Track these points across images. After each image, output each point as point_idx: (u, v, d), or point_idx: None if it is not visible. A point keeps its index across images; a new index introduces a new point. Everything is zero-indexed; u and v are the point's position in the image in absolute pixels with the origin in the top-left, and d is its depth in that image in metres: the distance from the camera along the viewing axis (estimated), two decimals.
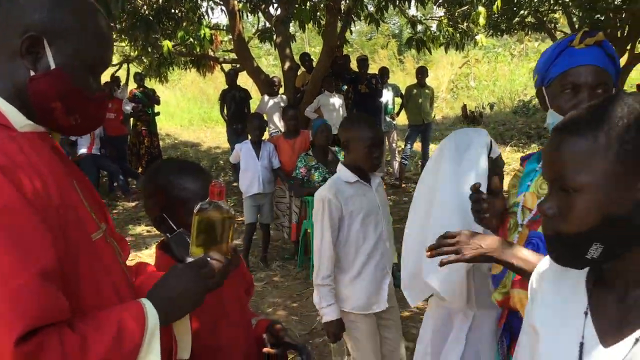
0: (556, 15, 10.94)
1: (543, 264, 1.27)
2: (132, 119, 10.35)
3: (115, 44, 12.40)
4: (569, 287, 1.18)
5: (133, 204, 8.81)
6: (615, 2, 8.86)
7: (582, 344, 1.09)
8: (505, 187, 2.00)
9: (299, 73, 8.75)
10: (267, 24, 9.47)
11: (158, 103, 10.81)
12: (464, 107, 15.39)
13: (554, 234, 1.07)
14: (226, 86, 9.68)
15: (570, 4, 9.11)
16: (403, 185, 9.10)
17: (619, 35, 9.41)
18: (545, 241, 1.11)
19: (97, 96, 1.26)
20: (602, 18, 9.64)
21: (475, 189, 1.78)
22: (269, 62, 22.24)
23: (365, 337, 2.84)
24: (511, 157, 10.34)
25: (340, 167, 2.84)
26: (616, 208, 1.00)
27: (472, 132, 2.27)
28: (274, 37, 8.73)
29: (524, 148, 10.95)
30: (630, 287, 1.07)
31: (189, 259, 1.34)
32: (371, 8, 8.68)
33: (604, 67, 1.61)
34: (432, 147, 10.73)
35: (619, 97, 1.05)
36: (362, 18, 8.57)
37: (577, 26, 10.03)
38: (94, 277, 1.20)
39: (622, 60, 9.50)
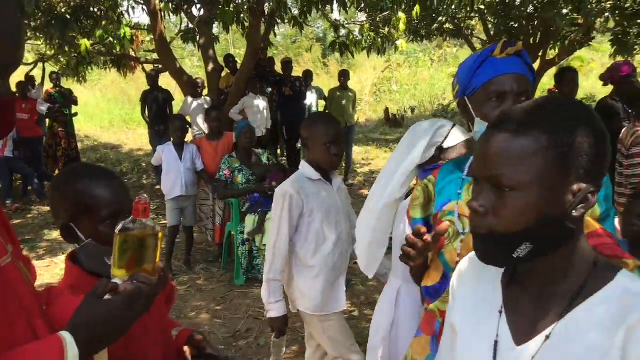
0: (473, 22, 11.34)
1: (463, 263, 1.28)
2: (48, 120, 9.95)
3: (30, 42, 11.90)
4: (486, 286, 1.19)
5: (48, 208, 8.47)
6: (528, 11, 9.28)
7: (496, 342, 1.10)
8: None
9: (223, 75, 8.67)
10: (190, 25, 9.35)
11: (75, 104, 10.45)
12: (387, 110, 15.71)
13: (485, 232, 1.05)
14: (148, 87, 9.48)
15: (486, 11, 9.47)
16: None
17: (531, 42, 9.86)
18: (474, 239, 1.09)
19: (5, 100, 1.12)
20: (516, 25, 10.09)
21: (417, 232, 1.55)
22: (193, 63, 21.91)
23: (339, 333, 2.87)
24: None
25: (303, 164, 2.84)
26: (550, 209, 1.00)
27: (429, 121, 2.31)
28: (197, 38, 8.63)
29: None
30: (544, 285, 1.09)
31: (114, 281, 1.20)
32: (295, 11, 8.73)
33: (524, 74, 1.64)
34: (356, 149, 10.92)
35: (554, 99, 1.06)
36: (286, 21, 8.60)
37: (492, 33, 10.45)
38: (4, 307, 1.08)
39: (535, 66, 9.98)
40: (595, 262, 1.08)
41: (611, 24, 9.63)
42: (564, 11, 8.49)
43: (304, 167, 2.82)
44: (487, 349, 1.11)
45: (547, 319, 1.07)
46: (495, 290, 1.16)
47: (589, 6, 8.28)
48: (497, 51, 1.65)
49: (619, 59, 8.66)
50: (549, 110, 1.03)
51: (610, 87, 5.10)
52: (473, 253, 1.25)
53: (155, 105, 9.19)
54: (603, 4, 8.58)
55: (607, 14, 9.00)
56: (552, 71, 11.49)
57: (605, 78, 5.05)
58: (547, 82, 13.17)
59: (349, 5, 7.63)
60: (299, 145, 8.97)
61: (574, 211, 1.01)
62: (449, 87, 18.56)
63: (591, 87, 15.09)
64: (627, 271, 1.08)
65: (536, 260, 1.06)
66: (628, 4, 8.63)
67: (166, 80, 10.04)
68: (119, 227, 1.24)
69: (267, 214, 5.23)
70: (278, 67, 9.51)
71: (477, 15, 9.73)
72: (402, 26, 7.51)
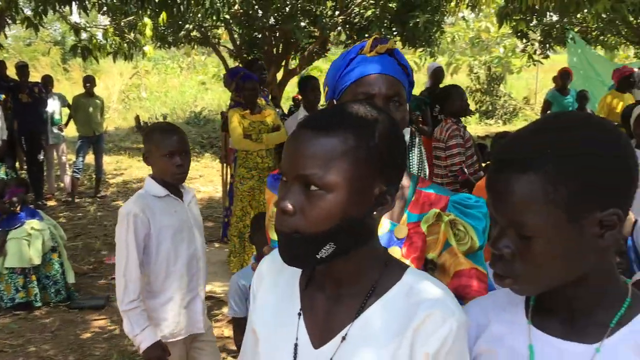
0: (219, 31, 11.61)
1: (263, 265, 1.26)
2: None
3: None
4: (285, 288, 1.18)
5: None
6: (270, 22, 9.81)
7: (296, 345, 1.10)
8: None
9: None
10: None
11: None
12: (137, 117, 15.19)
13: (291, 232, 1.02)
14: None
15: (231, 21, 9.79)
16: (77, 200, 8.60)
17: (274, 52, 10.45)
18: (278, 239, 1.06)
19: None
20: (260, 36, 10.59)
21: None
22: None
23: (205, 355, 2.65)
24: None
25: (148, 180, 2.59)
26: (355, 210, 1.01)
27: None
28: None
29: (198, 157, 11.35)
30: (340, 286, 1.10)
31: None
32: (28, 11, 8.02)
33: (396, 76, 1.49)
34: (107, 159, 10.41)
35: (361, 103, 1.08)
36: (18, 21, 7.85)
37: (238, 42, 10.83)
38: None
39: (279, 76, 10.58)
40: (387, 262, 1.11)
41: (343, 37, 10.64)
42: (302, 24, 9.18)
43: (148, 184, 2.59)
44: (288, 351, 1.11)
45: (343, 320, 1.08)
46: (294, 292, 1.16)
47: (324, 20, 9.08)
48: (367, 49, 1.51)
49: None
50: (357, 111, 1.05)
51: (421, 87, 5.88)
52: (272, 254, 1.25)
53: None
54: (336, 19, 9.46)
55: (339, 28, 9.94)
56: (295, 80, 12.32)
57: None
58: (290, 90, 14.05)
59: (89, 8, 7.27)
60: (41, 157, 8.27)
61: (374, 212, 1.04)
62: (200, 94, 18.70)
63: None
64: (414, 269, 1.14)
65: (334, 262, 1.06)
66: (357, 20, 9.62)
67: None
68: None
69: (8, 233, 4.75)
70: (11, 72, 8.64)
71: (223, 25, 9.97)
72: (148, 32, 7.38)
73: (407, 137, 1.52)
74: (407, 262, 1.42)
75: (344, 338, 1.06)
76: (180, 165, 2.51)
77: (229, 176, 6.16)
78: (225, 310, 4.67)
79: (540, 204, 0.94)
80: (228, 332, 4.32)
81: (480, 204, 1.46)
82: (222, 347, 4.06)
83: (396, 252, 1.43)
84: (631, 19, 10.66)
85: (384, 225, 1.46)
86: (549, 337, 1.03)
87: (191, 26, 9.53)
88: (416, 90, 4.31)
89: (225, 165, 6.35)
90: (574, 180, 0.93)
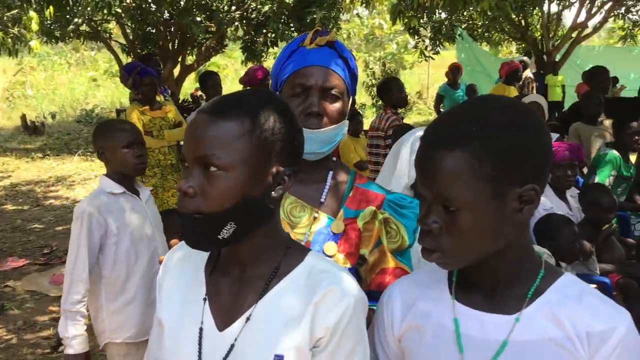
0: (110, 26, 11.18)
1: (167, 257, 1.28)
2: None
3: None
4: (190, 276, 1.21)
5: None
6: (164, 17, 9.57)
7: (201, 329, 1.14)
8: None
9: None
10: None
11: None
12: (23, 116, 14.39)
13: (192, 213, 1.06)
14: None
15: (123, 15, 9.45)
16: None
17: (170, 47, 10.20)
18: (182, 223, 1.09)
19: None
20: (154, 31, 10.31)
21: None
22: None
23: None
24: (80, 167, 10.21)
25: (103, 179, 2.50)
26: (253, 189, 1.06)
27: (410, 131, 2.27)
28: None
29: (92, 156, 10.91)
30: (244, 270, 1.15)
31: None
32: None
33: (333, 68, 1.48)
34: None
35: (258, 91, 1.15)
36: None
37: (131, 37, 10.47)
38: None
39: (175, 72, 10.35)
40: (289, 245, 1.17)
41: (241, 33, 10.59)
42: (198, 19, 9.03)
43: (104, 182, 2.52)
44: (193, 336, 1.14)
45: (247, 301, 1.13)
46: (199, 279, 1.20)
47: (221, 15, 8.98)
48: (307, 41, 1.51)
49: (250, 64, 9.57)
50: (252, 97, 1.12)
51: None
52: (178, 246, 1.29)
53: None
54: (233, 14, 9.39)
55: (236, 23, 9.88)
56: (192, 76, 12.12)
57: (244, 81, 5.61)
58: (188, 86, 13.80)
59: None
60: None
61: (272, 192, 1.09)
62: (91, 91, 17.94)
63: (227, 90, 16.29)
64: (316, 252, 1.22)
65: (237, 245, 1.11)
66: (254, 15, 9.61)
67: None
68: None
69: None
70: None
71: (114, 19, 9.62)
72: (34, 26, 7.00)
73: (344, 130, 1.52)
74: (342, 257, 1.47)
75: (248, 319, 1.11)
76: (140, 155, 2.50)
77: None
78: None
79: (467, 178, 1.00)
80: None
81: (414, 204, 1.52)
82: None
83: (332, 247, 1.47)
84: (513, 16, 11.37)
85: (322, 220, 1.49)
86: (472, 311, 1.11)
87: (80, 20, 9.12)
88: None
89: None
90: (497, 157, 1.00)
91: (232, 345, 1.10)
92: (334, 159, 1.60)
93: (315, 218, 1.49)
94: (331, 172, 1.55)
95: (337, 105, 1.49)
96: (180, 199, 1.07)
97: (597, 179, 4.25)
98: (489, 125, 1.02)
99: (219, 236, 1.06)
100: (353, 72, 1.55)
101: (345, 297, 1.09)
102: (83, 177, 9.48)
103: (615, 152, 4.29)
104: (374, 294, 1.50)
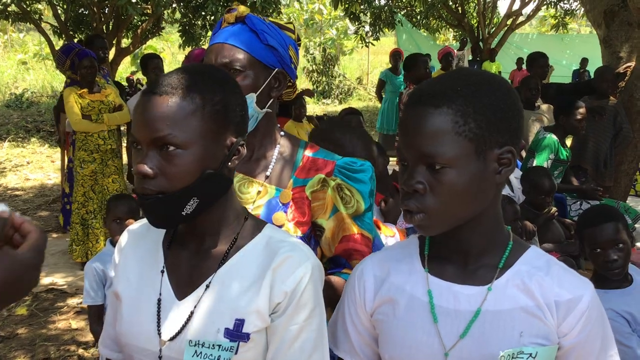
0: (40, 6, 10.70)
1: (122, 237, 1.31)
2: None
3: None
4: (147, 251, 1.24)
5: None
6: None
7: (159, 300, 1.17)
8: None
9: None
10: None
11: None
12: None
13: (155, 193, 1.07)
14: None
15: None
16: None
17: (104, 30, 9.84)
18: (142, 204, 1.10)
19: None
20: (87, 12, 9.92)
21: None
22: None
23: None
24: (11, 153, 9.77)
25: None
26: (211, 162, 1.09)
27: None
28: None
29: (23, 142, 10.46)
30: (203, 241, 1.18)
31: None
32: None
33: (236, 44, 1.48)
34: None
35: (203, 67, 1.17)
36: None
37: (62, 18, 10.04)
38: None
39: (111, 54, 10.01)
40: (246, 217, 1.21)
41: (178, 15, 10.32)
42: (134, 0, 8.74)
43: None
44: (151, 307, 1.17)
45: (207, 271, 1.16)
46: (157, 253, 1.23)
47: None
48: (225, 19, 1.54)
49: (188, 49, 9.37)
50: (201, 73, 1.13)
51: None
52: (133, 226, 1.31)
53: None
54: None
55: (174, 5, 9.62)
56: (128, 59, 11.77)
57: None
58: (122, 70, 13.40)
59: None
60: None
61: (229, 163, 1.13)
62: (21, 75, 17.16)
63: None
64: (273, 225, 1.25)
65: (197, 217, 1.13)
66: None
67: None
68: None
69: None
70: None
71: None
72: None
73: (250, 102, 1.47)
74: (291, 225, 1.47)
75: (207, 286, 1.15)
76: None
77: (66, 160, 5.76)
78: (70, 301, 4.41)
79: (452, 135, 1.03)
80: (76, 323, 4.09)
81: (365, 167, 1.54)
82: (72, 340, 3.84)
83: (281, 216, 1.47)
84: (451, 3, 11.57)
85: (269, 192, 1.49)
86: (446, 282, 1.15)
87: (9, 0, 8.68)
88: None
89: (63, 149, 5.92)
90: (480, 116, 1.03)
91: (192, 312, 1.13)
92: (282, 132, 1.61)
93: (259, 192, 1.50)
94: (278, 146, 1.57)
95: (242, 77, 1.47)
96: (140, 182, 1.08)
97: (535, 162, 4.39)
98: (472, 85, 1.06)
99: (182, 212, 1.09)
100: (269, 43, 1.51)
101: (302, 263, 1.14)
102: (14, 164, 9.08)
103: (553, 136, 4.45)
104: (338, 259, 1.54)
